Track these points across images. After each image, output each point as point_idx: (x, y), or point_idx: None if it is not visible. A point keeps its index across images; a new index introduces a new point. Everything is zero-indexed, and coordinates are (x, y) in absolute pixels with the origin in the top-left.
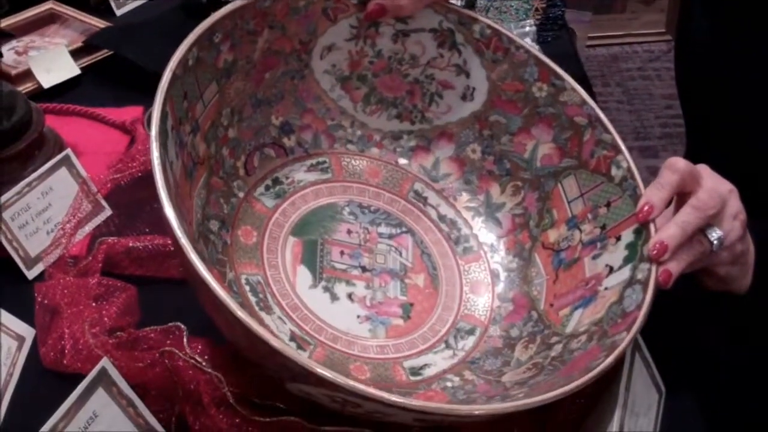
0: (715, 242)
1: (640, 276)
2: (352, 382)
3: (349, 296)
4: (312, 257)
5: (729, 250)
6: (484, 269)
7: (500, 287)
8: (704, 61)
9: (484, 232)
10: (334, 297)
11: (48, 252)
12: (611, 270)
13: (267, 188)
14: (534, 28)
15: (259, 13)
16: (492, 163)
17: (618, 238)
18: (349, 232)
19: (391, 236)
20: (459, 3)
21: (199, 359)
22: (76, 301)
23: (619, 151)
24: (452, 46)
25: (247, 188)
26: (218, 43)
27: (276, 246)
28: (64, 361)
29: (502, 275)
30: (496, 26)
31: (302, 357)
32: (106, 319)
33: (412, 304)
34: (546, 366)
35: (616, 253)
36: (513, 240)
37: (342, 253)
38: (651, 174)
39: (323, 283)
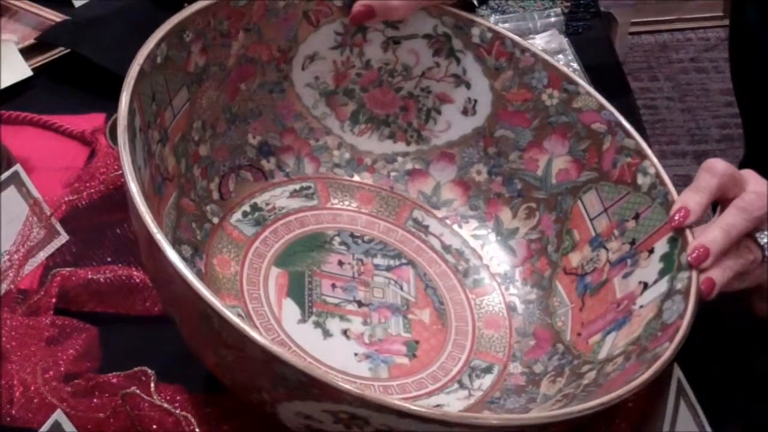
0: (766, 246)
1: (679, 286)
2: (360, 390)
3: (345, 333)
4: (299, 290)
5: None
6: (498, 303)
7: (518, 321)
8: (759, 52)
9: (495, 262)
10: (326, 333)
11: None
12: (645, 286)
13: (245, 215)
14: (561, 18)
15: (234, 12)
16: (500, 185)
17: (651, 251)
18: (340, 263)
19: (389, 268)
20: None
21: (168, 406)
22: (26, 343)
23: (644, 156)
24: (449, 54)
25: (222, 213)
26: (189, 42)
27: (257, 277)
28: (13, 411)
29: (520, 308)
30: (498, 29)
31: (303, 362)
32: (61, 363)
33: (417, 342)
34: (578, 394)
35: (649, 268)
36: (530, 269)
37: (333, 286)
38: None
39: (313, 318)
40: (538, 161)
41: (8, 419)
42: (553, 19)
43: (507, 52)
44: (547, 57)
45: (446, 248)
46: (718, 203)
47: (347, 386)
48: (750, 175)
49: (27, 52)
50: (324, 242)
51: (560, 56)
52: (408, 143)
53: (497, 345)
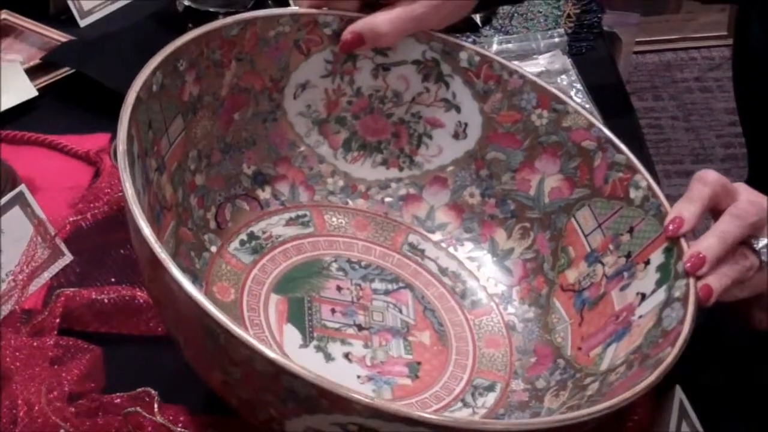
0: (762, 251)
1: (677, 294)
2: (370, 399)
3: (346, 356)
4: (299, 315)
5: None
6: (497, 322)
7: (518, 339)
8: (763, 71)
9: (492, 283)
10: (328, 357)
11: None
12: (643, 297)
13: (242, 243)
14: (565, 38)
15: (226, 42)
16: (494, 206)
17: (647, 263)
18: (339, 288)
19: (387, 292)
20: (479, 16)
21: (171, 426)
22: (30, 363)
23: (635, 171)
24: (439, 79)
25: (220, 242)
26: (183, 71)
27: (257, 303)
28: (16, 431)
29: (519, 326)
30: (485, 52)
31: (312, 374)
32: (65, 383)
33: (419, 363)
34: (583, 404)
35: (646, 279)
36: (527, 287)
37: (333, 311)
38: None
39: (315, 342)
40: (530, 181)
41: None
42: (556, 40)
43: (495, 75)
44: (534, 78)
45: (443, 271)
46: (712, 216)
47: (357, 396)
48: (742, 187)
49: (32, 72)
50: (322, 268)
51: (563, 76)
52: (401, 169)
53: (498, 363)
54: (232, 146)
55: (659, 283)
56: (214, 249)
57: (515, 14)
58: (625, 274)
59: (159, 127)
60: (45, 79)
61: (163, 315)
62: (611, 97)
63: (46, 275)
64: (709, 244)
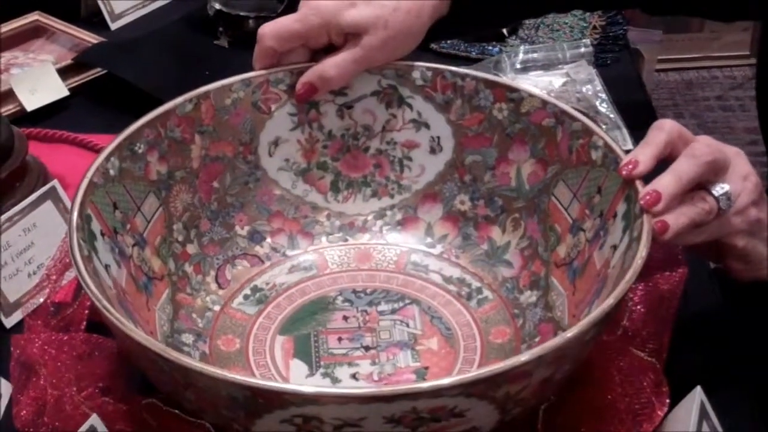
0: (721, 198)
1: (635, 234)
2: (295, 386)
3: (353, 376)
4: (305, 349)
5: (742, 215)
6: (503, 314)
7: (524, 324)
8: None
9: (496, 279)
10: (335, 380)
11: (30, 297)
12: (615, 248)
13: (246, 297)
14: (590, 49)
15: (182, 119)
16: (484, 207)
17: (615, 216)
18: (345, 318)
19: (393, 311)
20: (505, 30)
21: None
22: (60, 357)
23: (592, 133)
24: (401, 103)
25: (223, 301)
26: (143, 153)
27: (263, 348)
28: (45, 418)
29: (524, 313)
30: (434, 65)
31: (238, 375)
32: (92, 377)
33: (427, 368)
34: None
35: (616, 231)
36: (527, 274)
37: (340, 339)
38: None
39: (321, 370)
40: (508, 173)
41: (39, 427)
42: (582, 50)
43: (450, 84)
44: (484, 75)
45: (447, 279)
46: None
47: (280, 385)
48: (702, 137)
49: (64, 72)
50: (327, 304)
51: (589, 86)
52: (392, 196)
53: (506, 350)
54: (219, 212)
55: (624, 231)
56: (217, 308)
57: (541, 25)
58: (601, 233)
59: (128, 206)
60: (76, 79)
61: (132, 364)
62: (636, 108)
63: None
64: (665, 181)
